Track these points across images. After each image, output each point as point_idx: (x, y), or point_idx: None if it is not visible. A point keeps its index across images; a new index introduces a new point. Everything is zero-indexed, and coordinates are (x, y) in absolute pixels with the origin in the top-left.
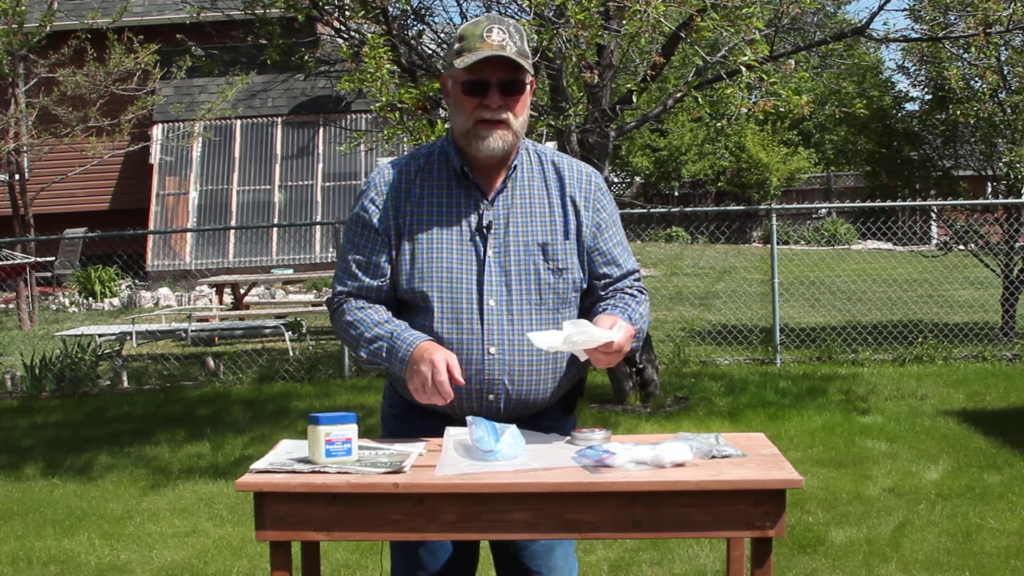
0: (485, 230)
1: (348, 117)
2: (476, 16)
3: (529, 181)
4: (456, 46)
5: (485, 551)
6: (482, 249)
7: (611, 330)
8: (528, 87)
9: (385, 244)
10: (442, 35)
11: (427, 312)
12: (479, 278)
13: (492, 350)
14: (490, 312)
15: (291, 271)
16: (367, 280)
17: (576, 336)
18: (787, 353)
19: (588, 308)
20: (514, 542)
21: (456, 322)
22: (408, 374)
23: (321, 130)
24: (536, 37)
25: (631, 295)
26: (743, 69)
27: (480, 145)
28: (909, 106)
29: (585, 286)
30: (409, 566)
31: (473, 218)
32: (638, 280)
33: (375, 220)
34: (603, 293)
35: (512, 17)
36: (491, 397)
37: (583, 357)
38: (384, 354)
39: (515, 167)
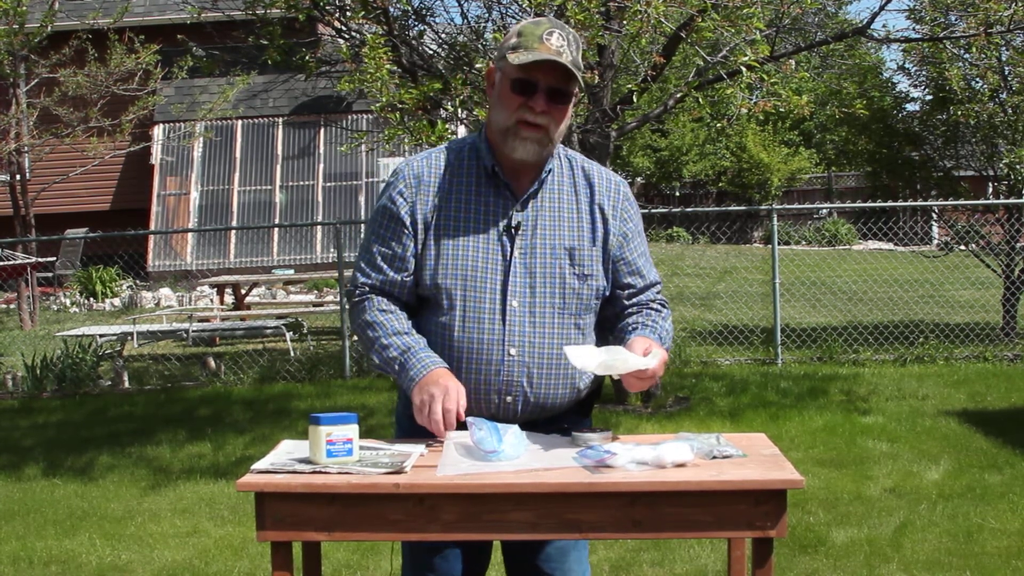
0: (513, 231)
1: (349, 117)
2: (477, 16)
3: (559, 186)
4: (512, 41)
5: (495, 553)
6: (509, 249)
7: (647, 357)
8: (574, 99)
9: (411, 237)
10: (442, 35)
11: (448, 310)
12: (504, 278)
13: (512, 351)
14: (512, 313)
15: (292, 271)
16: (391, 273)
17: (612, 362)
18: (788, 353)
19: (611, 318)
20: (528, 545)
21: (477, 321)
22: (414, 398)
23: (322, 130)
24: None
25: (656, 310)
26: (744, 69)
27: (516, 145)
28: (910, 106)
29: (607, 294)
30: (419, 568)
31: (502, 218)
32: (659, 292)
33: (403, 212)
34: (627, 303)
35: (512, 18)
36: (509, 399)
37: (615, 377)
38: (396, 367)
39: (549, 171)
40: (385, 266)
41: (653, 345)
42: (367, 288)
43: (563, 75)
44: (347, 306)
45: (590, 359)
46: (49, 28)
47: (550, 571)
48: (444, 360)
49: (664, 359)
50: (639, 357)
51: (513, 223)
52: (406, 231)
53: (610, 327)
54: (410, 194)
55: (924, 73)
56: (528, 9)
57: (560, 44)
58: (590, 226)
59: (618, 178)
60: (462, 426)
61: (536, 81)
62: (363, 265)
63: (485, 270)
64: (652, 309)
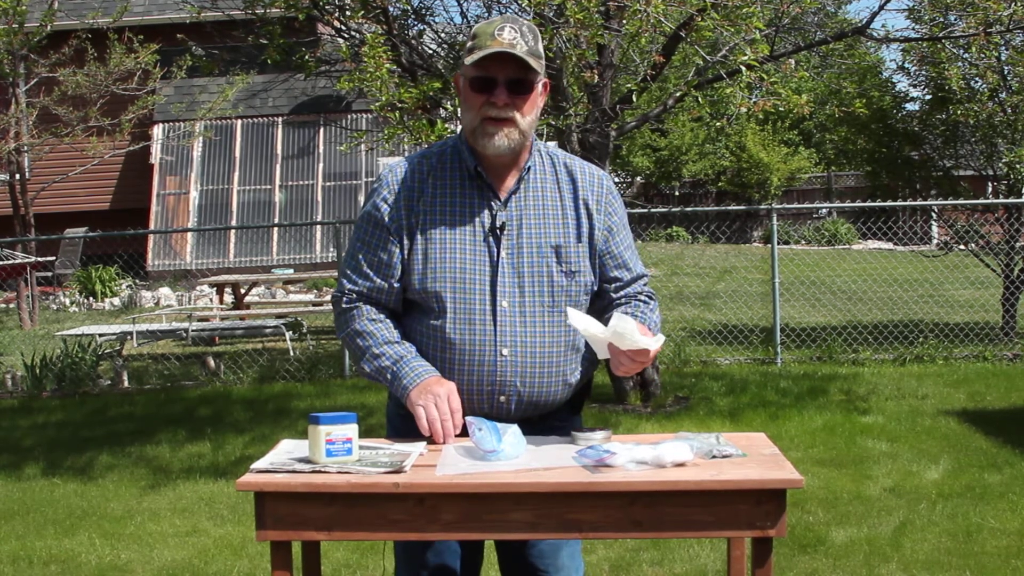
0: (499, 231)
1: (348, 117)
2: (477, 16)
3: (542, 183)
4: (468, 44)
5: (490, 551)
6: (495, 250)
7: (651, 339)
8: (537, 87)
9: (397, 243)
10: (442, 35)
11: (439, 313)
12: (492, 279)
13: (504, 352)
14: (503, 313)
15: (291, 271)
16: (378, 280)
17: (621, 331)
18: (788, 353)
19: (599, 312)
20: (520, 541)
21: (469, 323)
22: (411, 408)
23: (322, 130)
24: None
25: (644, 302)
26: (743, 69)
27: (487, 143)
28: (909, 106)
29: (595, 289)
30: (413, 566)
31: (486, 218)
32: (646, 284)
33: (387, 219)
34: (614, 296)
35: None
36: (502, 399)
37: (603, 356)
38: (389, 376)
39: (528, 168)
40: (371, 273)
41: (659, 334)
42: (354, 295)
43: (520, 66)
44: (334, 312)
45: (593, 324)
46: (48, 27)
47: (544, 567)
48: (437, 362)
49: (658, 349)
50: (645, 337)
51: (498, 223)
52: (391, 237)
53: (600, 321)
54: (394, 200)
55: (923, 73)
56: (528, 8)
57: (512, 36)
58: (575, 222)
59: (600, 172)
60: (462, 431)
61: (494, 76)
62: (349, 272)
63: (473, 272)
64: (640, 301)
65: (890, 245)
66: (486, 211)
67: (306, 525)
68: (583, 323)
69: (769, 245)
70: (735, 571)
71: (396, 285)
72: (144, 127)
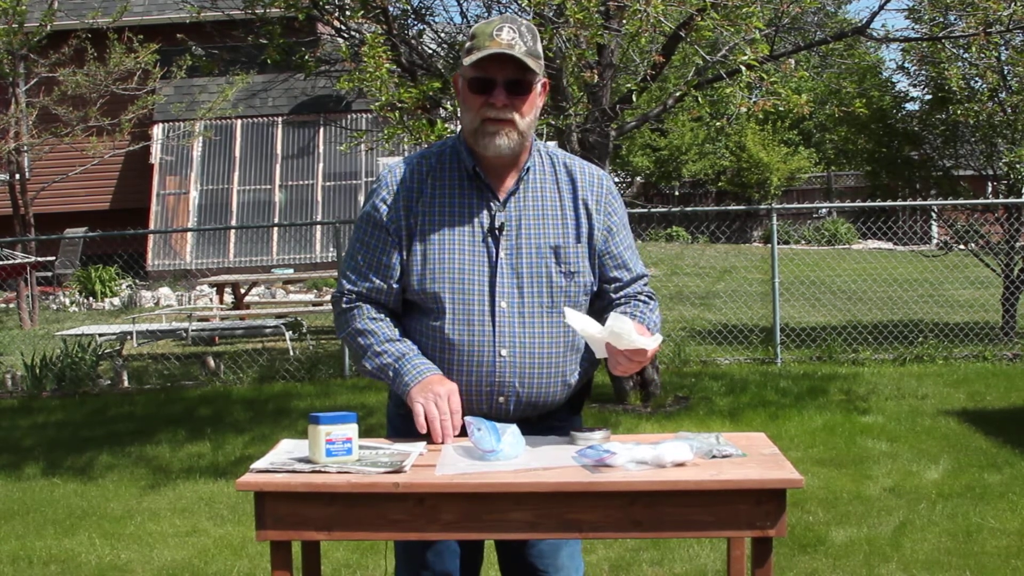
0: (497, 231)
1: (348, 117)
2: (476, 16)
3: (541, 183)
4: (467, 44)
5: (490, 551)
6: (494, 251)
7: (649, 339)
8: (536, 87)
9: (396, 244)
10: (442, 35)
11: (438, 314)
12: (491, 280)
13: (503, 353)
14: (502, 314)
15: (291, 271)
16: (376, 281)
17: (618, 331)
18: (787, 353)
19: (599, 312)
20: (520, 541)
21: (468, 324)
22: (412, 404)
23: (321, 130)
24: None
25: (643, 302)
26: (743, 68)
27: (487, 143)
28: (909, 106)
29: (595, 289)
30: (414, 566)
31: (485, 219)
32: (647, 284)
33: (386, 219)
34: (614, 296)
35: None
36: (501, 399)
37: (600, 355)
38: (391, 373)
39: (528, 168)
40: (370, 273)
41: (656, 334)
42: (354, 296)
43: (518, 67)
44: (334, 312)
45: (591, 324)
46: (48, 27)
47: (543, 568)
48: (436, 363)
49: (656, 350)
50: (643, 337)
51: (497, 224)
52: (391, 238)
53: (598, 321)
54: (393, 201)
55: (923, 73)
56: (528, 8)
57: (511, 37)
58: (574, 222)
59: (600, 172)
60: (461, 431)
61: (493, 77)
62: (349, 273)
63: (472, 272)
64: (640, 301)
65: (890, 245)
66: (485, 212)
67: (306, 525)
68: (581, 323)
69: (769, 245)
70: (735, 571)
71: (395, 286)
72: (144, 127)
